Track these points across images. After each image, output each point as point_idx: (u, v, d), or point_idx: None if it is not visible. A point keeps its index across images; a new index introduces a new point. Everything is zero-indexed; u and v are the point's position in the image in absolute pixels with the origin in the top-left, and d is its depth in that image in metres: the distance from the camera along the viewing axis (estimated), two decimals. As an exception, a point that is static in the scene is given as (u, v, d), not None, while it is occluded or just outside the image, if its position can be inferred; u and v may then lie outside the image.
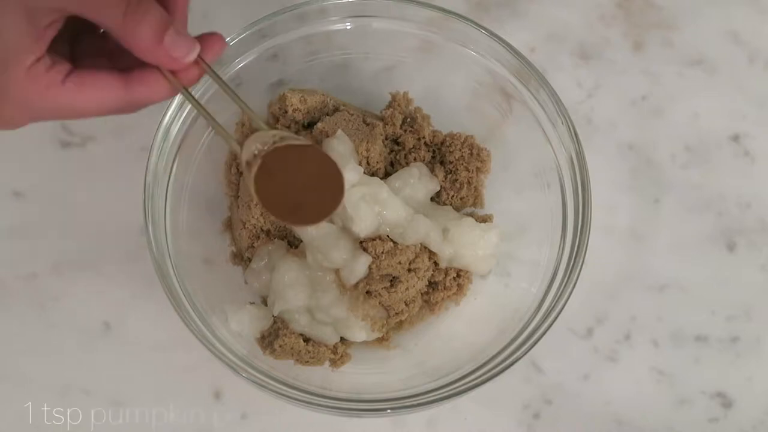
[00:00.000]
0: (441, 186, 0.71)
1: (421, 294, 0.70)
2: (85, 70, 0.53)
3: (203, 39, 0.54)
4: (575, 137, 0.67)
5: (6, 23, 0.50)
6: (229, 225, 0.72)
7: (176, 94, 0.56)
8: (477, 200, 0.73)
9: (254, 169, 0.50)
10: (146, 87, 0.54)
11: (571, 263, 0.66)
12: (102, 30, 0.54)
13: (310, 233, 0.66)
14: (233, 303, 0.68)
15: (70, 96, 0.52)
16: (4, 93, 0.51)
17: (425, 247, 0.68)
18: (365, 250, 0.66)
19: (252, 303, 0.69)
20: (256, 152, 0.51)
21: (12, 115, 0.53)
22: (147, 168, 0.65)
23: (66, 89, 0.52)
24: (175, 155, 0.68)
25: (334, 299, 0.67)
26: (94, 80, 0.53)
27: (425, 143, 0.72)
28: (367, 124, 0.71)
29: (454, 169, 0.71)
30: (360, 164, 0.68)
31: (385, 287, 0.67)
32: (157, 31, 0.51)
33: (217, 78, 0.55)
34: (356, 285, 0.67)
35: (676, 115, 0.79)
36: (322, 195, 0.51)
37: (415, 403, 0.63)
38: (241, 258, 0.71)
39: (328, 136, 0.68)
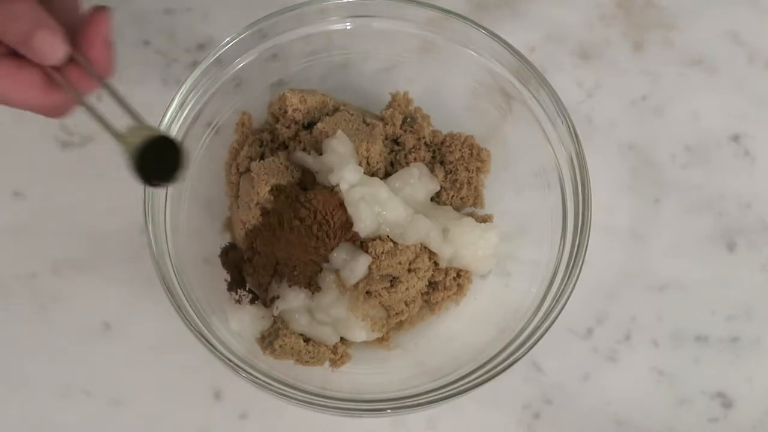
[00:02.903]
0: (441, 186, 0.71)
1: (421, 294, 0.70)
2: (13, 60, 0.53)
3: (85, 35, 0.54)
4: (575, 137, 0.67)
5: None
6: (229, 225, 0.72)
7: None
8: (477, 200, 0.73)
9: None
10: (65, 93, 0.54)
11: (571, 263, 0.66)
12: None
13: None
14: (233, 303, 0.69)
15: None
16: None
17: (425, 247, 0.68)
18: (365, 250, 0.66)
19: (252, 303, 0.69)
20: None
21: None
22: (147, 168, 0.65)
23: None
24: (175, 155, 0.68)
25: (334, 299, 0.67)
26: (18, 72, 0.53)
27: (425, 143, 0.72)
28: (367, 124, 0.71)
29: (454, 169, 0.71)
30: (360, 164, 0.68)
31: (385, 287, 0.67)
32: (25, 35, 0.51)
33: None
34: (356, 285, 0.67)
35: (676, 115, 0.79)
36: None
37: (415, 403, 0.63)
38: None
39: (328, 136, 0.68)
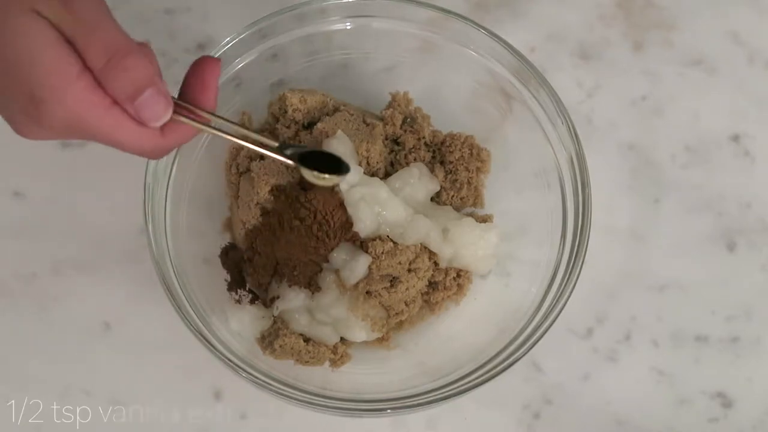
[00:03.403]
0: (441, 186, 0.71)
1: (421, 294, 0.70)
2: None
3: (193, 96, 0.54)
4: (575, 137, 0.67)
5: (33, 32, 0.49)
6: (229, 225, 0.72)
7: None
8: (477, 200, 0.73)
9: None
10: (179, 134, 0.53)
11: (571, 263, 0.66)
12: None
13: None
14: (233, 303, 0.69)
15: (112, 123, 0.50)
16: (43, 103, 0.50)
17: (425, 247, 0.68)
18: (365, 250, 0.66)
19: (252, 303, 0.69)
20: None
21: (47, 125, 0.51)
22: (147, 168, 0.65)
23: (111, 115, 0.50)
24: (175, 155, 0.68)
25: (334, 299, 0.67)
26: (131, 120, 0.51)
27: (425, 143, 0.72)
28: (367, 124, 0.71)
29: (454, 169, 0.71)
30: (360, 164, 0.68)
31: (385, 287, 0.67)
32: (131, 91, 0.50)
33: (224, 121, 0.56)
34: (356, 285, 0.67)
35: (676, 115, 0.79)
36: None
37: (415, 403, 0.63)
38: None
39: (328, 137, 0.68)
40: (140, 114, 0.50)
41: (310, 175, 0.58)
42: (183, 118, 0.53)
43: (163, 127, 0.52)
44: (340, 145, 0.67)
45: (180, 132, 0.53)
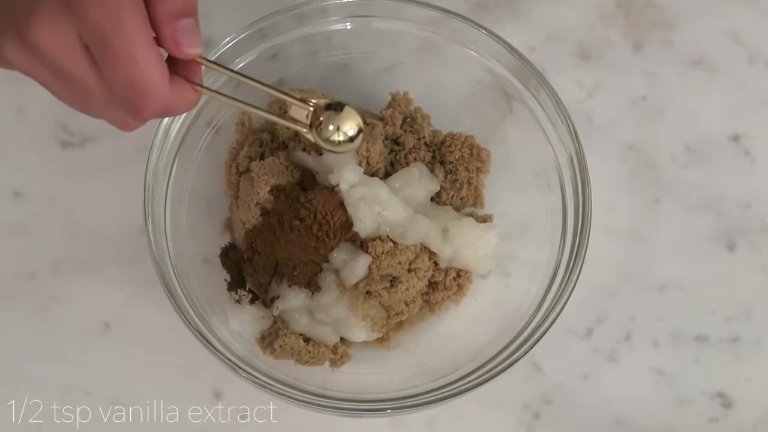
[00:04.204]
0: (441, 186, 0.71)
1: (421, 294, 0.70)
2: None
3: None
4: (575, 137, 0.67)
5: None
6: (229, 225, 0.72)
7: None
8: (477, 200, 0.73)
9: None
10: (182, 94, 0.52)
11: (571, 263, 0.66)
12: None
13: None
14: (233, 303, 0.69)
15: (142, 37, 0.48)
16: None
17: (425, 247, 0.68)
18: (365, 250, 0.66)
19: (252, 303, 0.69)
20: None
21: (84, 5, 0.47)
22: (147, 168, 0.66)
23: (146, 29, 0.48)
24: (175, 155, 0.69)
25: (334, 299, 0.67)
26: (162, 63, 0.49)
27: (425, 143, 0.72)
28: (367, 124, 0.71)
29: (454, 169, 0.71)
30: (360, 164, 0.68)
31: (385, 287, 0.67)
32: (181, 7, 0.48)
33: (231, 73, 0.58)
34: (356, 285, 0.67)
35: (676, 115, 0.79)
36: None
37: (415, 403, 0.63)
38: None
39: (328, 136, 0.68)
40: (177, 36, 0.49)
41: (322, 140, 0.60)
42: (199, 87, 0.53)
43: (171, 79, 0.51)
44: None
45: (184, 93, 0.52)
